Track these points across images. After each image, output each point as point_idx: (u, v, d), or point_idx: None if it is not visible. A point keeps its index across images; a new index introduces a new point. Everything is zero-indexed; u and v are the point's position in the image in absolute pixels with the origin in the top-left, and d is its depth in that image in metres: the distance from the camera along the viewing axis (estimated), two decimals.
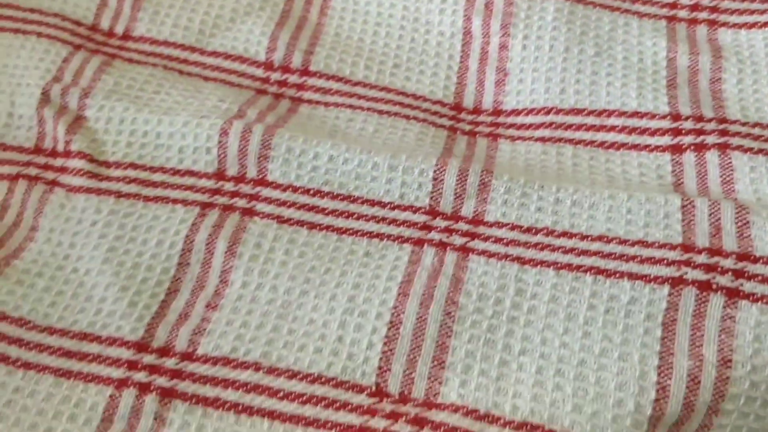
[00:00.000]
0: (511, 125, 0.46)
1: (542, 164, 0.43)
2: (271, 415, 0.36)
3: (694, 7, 0.49)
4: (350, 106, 0.47)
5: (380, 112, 0.46)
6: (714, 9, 0.49)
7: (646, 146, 0.43)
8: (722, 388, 0.35)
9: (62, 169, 0.44)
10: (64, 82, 0.47)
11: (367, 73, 0.48)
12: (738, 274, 0.37)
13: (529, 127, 0.45)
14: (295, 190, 0.43)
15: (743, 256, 0.38)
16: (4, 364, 0.38)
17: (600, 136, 0.44)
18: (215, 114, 0.45)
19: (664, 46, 0.47)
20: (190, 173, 0.44)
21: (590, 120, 0.44)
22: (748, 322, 0.37)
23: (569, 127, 0.44)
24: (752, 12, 0.49)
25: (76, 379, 0.37)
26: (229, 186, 0.43)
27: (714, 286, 0.37)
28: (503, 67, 0.48)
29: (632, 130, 0.43)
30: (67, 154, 0.45)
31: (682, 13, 0.49)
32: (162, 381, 0.37)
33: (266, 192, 0.43)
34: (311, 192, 0.43)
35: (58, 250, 0.42)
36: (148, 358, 0.38)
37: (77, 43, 0.49)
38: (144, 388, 0.37)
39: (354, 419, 0.35)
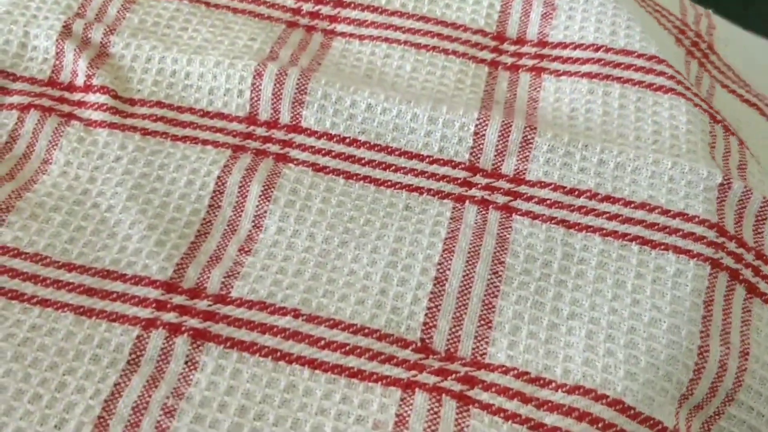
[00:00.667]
0: (557, 58, 0.44)
1: (587, 107, 0.41)
2: (312, 363, 0.33)
3: (694, 42, 0.49)
4: (386, 40, 0.44)
5: (418, 46, 0.44)
6: (705, 54, 0.49)
7: (691, 99, 0.42)
8: (741, 377, 0.35)
9: (80, 103, 0.41)
10: (87, 18, 0.43)
11: (404, 1, 0.46)
12: (756, 271, 0.37)
13: (576, 61, 0.43)
14: (330, 137, 0.40)
15: (759, 254, 0.38)
16: (18, 301, 0.35)
17: (649, 78, 0.42)
18: (248, 55, 0.42)
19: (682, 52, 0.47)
20: (220, 115, 0.41)
21: (640, 62, 0.42)
22: (762, 319, 0.36)
23: (618, 65, 0.42)
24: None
25: (99, 318, 0.34)
26: (260, 131, 0.41)
27: (740, 277, 0.37)
28: (551, 2, 0.45)
29: (680, 82, 0.42)
30: (87, 88, 0.41)
31: (695, 51, 0.49)
32: (194, 322, 0.34)
33: (300, 138, 0.40)
34: (347, 141, 0.40)
35: (75, 183, 0.38)
36: (178, 299, 0.35)
37: None
38: (174, 330, 0.34)
39: (401, 373, 0.33)
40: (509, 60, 0.44)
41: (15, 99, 0.41)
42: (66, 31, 0.43)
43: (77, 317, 0.34)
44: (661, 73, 0.42)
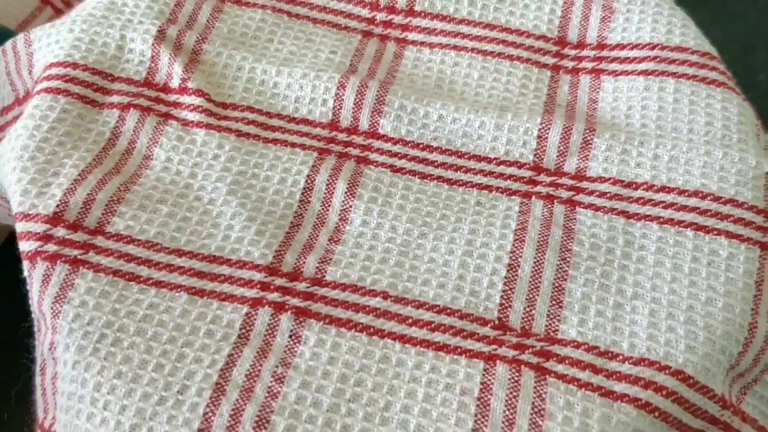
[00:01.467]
0: (615, 59, 0.46)
1: (643, 104, 0.44)
2: (402, 338, 0.37)
3: None
4: (455, 47, 0.47)
5: (484, 53, 0.47)
6: None
7: (740, 94, 0.44)
8: None
9: (176, 104, 0.45)
10: (180, 24, 0.47)
11: (471, 9, 0.49)
12: None
13: (632, 60, 0.46)
14: (405, 143, 0.44)
15: None
16: (135, 282, 0.38)
17: (703, 73, 0.45)
18: (330, 68, 0.46)
19: None
20: (305, 122, 0.45)
21: (695, 58, 0.45)
22: None
23: (673, 61, 0.45)
24: None
25: (210, 298, 0.38)
26: (342, 136, 0.44)
27: None
28: (609, 5, 0.48)
29: (731, 78, 0.45)
30: (182, 90, 0.45)
31: None
32: (296, 302, 0.38)
33: (378, 144, 0.44)
34: (421, 146, 0.44)
35: (177, 178, 0.42)
36: (280, 281, 0.38)
37: None
38: (279, 308, 0.37)
39: (482, 347, 0.37)
40: (570, 64, 0.47)
41: (115, 98, 0.45)
42: (160, 35, 0.46)
43: (190, 297, 0.38)
44: (714, 68, 0.45)
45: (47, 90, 0.44)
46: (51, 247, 0.38)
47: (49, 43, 0.47)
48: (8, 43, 0.47)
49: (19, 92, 0.49)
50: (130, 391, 0.34)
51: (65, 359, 0.36)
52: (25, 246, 0.38)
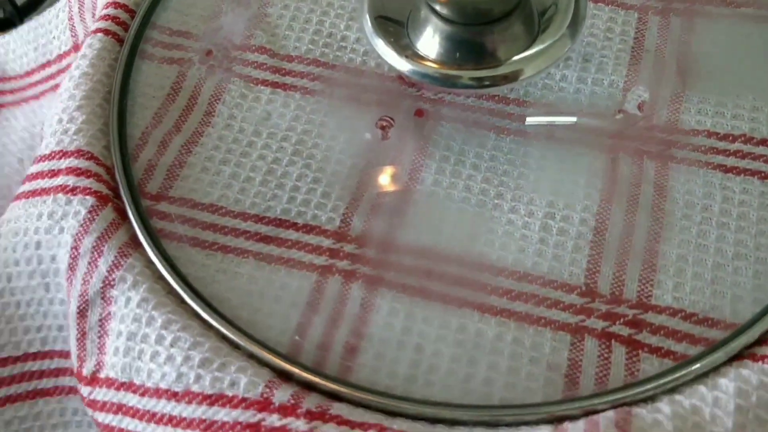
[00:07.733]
0: (711, 1, 0.41)
1: (745, 50, 0.39)
2: (481, 308, 0.33)
3: None
4: None
5: None
6: None
7: None
8: None
9: (238, 60, 0.41)
10: None
11: None
12: None
13: (730, 4, 0.40)
14: (479, 96, 0.40)
15: None
16: (200, 248, 0.35)
17: None
18: None
19: None
20: (374, 75, 0.41)
21: None
22: None
23: None
24: None
25: (277, 264, 0.34)
26: (411, 91, 0.40)
27: None
28: None
29: None
30: (244, 47, 0.41)
31: None
32: (366, 270, 0.34)
33: (450, 98, 0.40)
34: (496, 98, 0.39)
35: (240, 136, 0.39)
36: (349, 248, 0.35)
37: None
38: (349, 276, 0.34)
39: (569, 318, 0.32)
40: (659, 4, 0.41)
41: (175, 54, 0.41)
42: None
43: (258, 262, 0.34)
44: None
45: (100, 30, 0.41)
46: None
47: None
48: None
49: (78, 38, 0.46)
50: (196, 343, 0.31)
51: (129, 296, 0.33)
52: None
